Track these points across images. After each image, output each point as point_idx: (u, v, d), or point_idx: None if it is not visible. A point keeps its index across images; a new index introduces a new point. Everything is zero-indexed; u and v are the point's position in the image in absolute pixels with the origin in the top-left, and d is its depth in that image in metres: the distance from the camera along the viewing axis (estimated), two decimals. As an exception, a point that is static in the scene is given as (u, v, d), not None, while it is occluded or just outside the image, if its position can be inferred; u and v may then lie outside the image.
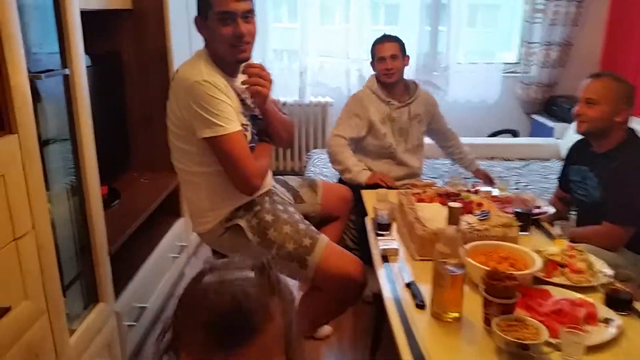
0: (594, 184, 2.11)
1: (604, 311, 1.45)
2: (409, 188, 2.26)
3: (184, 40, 2.81)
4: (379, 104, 2.79)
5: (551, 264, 1.67)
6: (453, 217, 1.37)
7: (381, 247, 1.78)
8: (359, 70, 3.97)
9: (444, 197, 2.07)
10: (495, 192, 2.32)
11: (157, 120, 2.69)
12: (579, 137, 2.23)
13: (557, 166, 3.65)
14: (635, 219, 1.99)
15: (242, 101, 1.85)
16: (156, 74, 2.60)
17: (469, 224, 1.82)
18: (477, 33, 4.18)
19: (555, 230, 1.86)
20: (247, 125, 1.81)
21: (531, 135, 4.30)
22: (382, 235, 1.94)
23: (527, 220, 1.95)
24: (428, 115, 2.89)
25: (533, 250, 1.70)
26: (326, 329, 2.43)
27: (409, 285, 1.59)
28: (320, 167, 3.49)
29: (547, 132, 4.04)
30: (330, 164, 3.23)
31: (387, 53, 2.74)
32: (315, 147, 4.14)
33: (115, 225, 2.11)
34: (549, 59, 4.00)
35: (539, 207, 2.11)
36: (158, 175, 2.75)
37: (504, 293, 1.35)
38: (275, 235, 1.87)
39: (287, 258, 1.87)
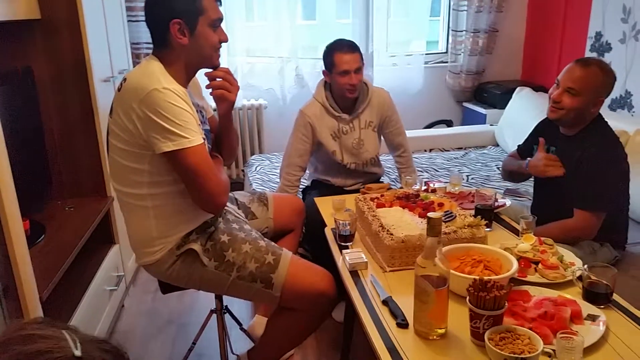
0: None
1: (585, 307, 1.42)
2: (364, 193, 2.16)
3: (104, 51, 2.54)
4: (328, 120, 2.52)
5: (524, 262, 1.62)
6: (434, 229, 1.26)
7: (350, 262, 1.66)
8: (295, 69, 3.79)
9: (403, 199, 1.98)
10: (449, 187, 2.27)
11: (78, 140, 2.44)
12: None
13: (494, 153, 3.70)
14: (608, 203, 1.95)
15: (200, 112, 1.67)
16: (75, 89, 2.32)
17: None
18: (403, 24, 4.12)
19: (521, 224, 1.82)
20: (204, 138, 1.63)
21: (463, 123, 4.34)
22: (345, 247, 1.82)
23: (490, 216, 1.91)
24: (381, 118, 2.60)
25: (502, 248, 1.65)
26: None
27: (385, 302, 1.48)
28: (263, 173, 3.31)
29: (480, 119, 4.08)
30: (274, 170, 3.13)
31: (353, 66, 2.40)
32: (252, 153, 3.93)
33: (44, 266, 1.88)
34: (477, 46, 4.03)
35: (496, 200, 2.07)
36: (84, 201, 2.49)
37: (493, 304, 1.27)
38: (234, 256, 1.70)
39: (249, 279, 1.71)
